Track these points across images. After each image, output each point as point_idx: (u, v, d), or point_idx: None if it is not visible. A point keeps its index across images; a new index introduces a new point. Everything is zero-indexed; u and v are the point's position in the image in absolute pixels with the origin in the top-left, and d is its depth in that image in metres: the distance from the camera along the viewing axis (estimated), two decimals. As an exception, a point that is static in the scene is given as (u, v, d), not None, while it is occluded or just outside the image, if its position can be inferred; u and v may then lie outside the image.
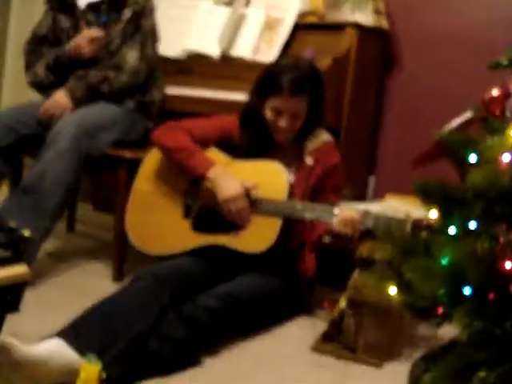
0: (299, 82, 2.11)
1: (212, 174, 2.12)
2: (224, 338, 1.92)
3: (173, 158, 2.21)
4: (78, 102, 2.46)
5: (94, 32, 2.54)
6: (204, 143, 2.22)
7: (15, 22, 4.07)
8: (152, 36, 2.64)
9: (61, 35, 2.66)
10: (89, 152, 2.36)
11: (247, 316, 1.99)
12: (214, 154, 2.22)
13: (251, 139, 2.22)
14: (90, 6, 2.61)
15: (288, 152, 2.25)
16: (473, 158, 1.48)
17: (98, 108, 2.49)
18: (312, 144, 2.24)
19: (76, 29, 2.62)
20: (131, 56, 2.54)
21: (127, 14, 2.57)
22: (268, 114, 2.16)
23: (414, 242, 1.54)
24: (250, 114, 2.23)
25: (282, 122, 2.14)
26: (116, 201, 2.42)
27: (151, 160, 2.30)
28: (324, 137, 2.27)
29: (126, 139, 2.54)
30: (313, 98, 2.17)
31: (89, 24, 2.60)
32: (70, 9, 2.64)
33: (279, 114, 2.14)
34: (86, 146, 2.34)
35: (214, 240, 2.11)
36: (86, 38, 2.51)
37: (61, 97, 2.46)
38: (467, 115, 1.64)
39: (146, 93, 2.64)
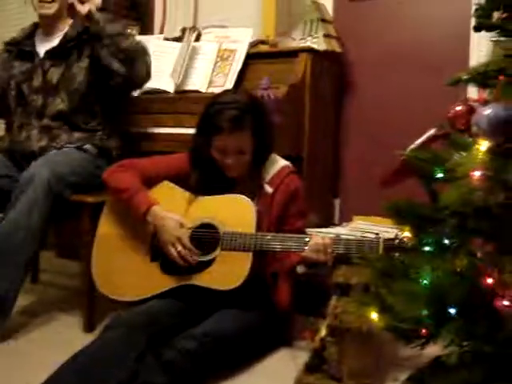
0: (237, 119, 2.08)
1: (150, 216, 2.09)
2: (205, 378, 1.86)
3: (119, 199, 2.17)
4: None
5: None
6: (158, 181, 2.20)
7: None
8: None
9: (9, 80, 2.61)
10: (59, 197, 2.31)
11: (226, 354, 1.94)
12: (170, 189, 2.19)
13: (203, 177, 2.18)
14: (48, 54, 2.59)
15: (246, 183, 2.23)
16: (440, 175, 1.48)
17: (66, 154, 2.45)
18: (269, 171, 2.21)
19: (30, 77, 2.58)
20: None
21: (88, 49, 2.54)
22: (214, 153, 2.14)
23: (390, 264, 1.52)
24: (197, 153, 2.19)
25: (229, 160, 2.12)
26: (81, 248, 2.35)
27: (112, 203, 2.26)
28: (279, 163, 2.24)
29: (90, 183, 2.48)
30: (256, 130, 2.13)
31: (45, 71, 2.56)
32: (29, 58, 2.62)
33: (224, 152, 2.12)
34: (57, 191, 2.29)
35: (184, 280, 2.06)
36: None
37: None
38: (431, 132, 1.65)
39: (107, 138, 2.61)
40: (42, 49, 2.62)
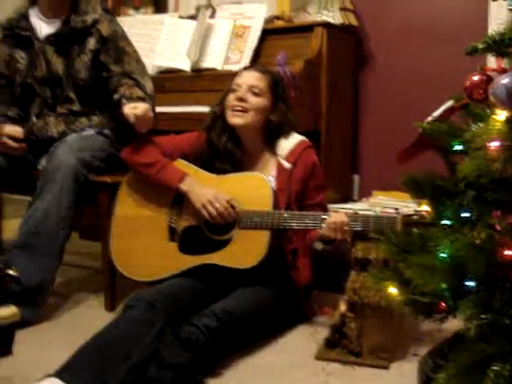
0: (257, 65, 2.28)
1: (185, 185, 2.10)
2: (225, 356, 1.87)
3: (144, 174, 2.17)
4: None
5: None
6: (173, 159, 2.20)
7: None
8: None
9: (14, 75, 2.53)
10: (85, 182, 2.31)
11: (247, 331, 1.95)
12: (186, 167, 2.19)
13: (217, 153, 2.19)
14: (49, 40, 2.48)
15: (262, 159, 2.23)
16: (459, 147, 1.46)
17: (87, 139, 2.44)
18: (285, 147, 2.20)
19: (33, 66, 2.49)
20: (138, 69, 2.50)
21: (92, 43, 2.46)
22: (228, 98, 2.17)
23: (408, 238, 1.50)
24: (216, 121, 2.22)
25: (239, 93, 2.14)
26: (101, 228, 2.36)
27: (128, 184, 2.26)
28: (295, 138, 2.23)
29: (111, 166, 2.47)
30: (275, 94, 2.19)
31: (48, 60, 2.47)
32: (28, 44, 2.51)
33: (238, 87, 2.16)
34: (84, 177, 2.30)
35: (203, 260, 2.06)
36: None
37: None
38: (448, 104, 1.62)
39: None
40: (41, 32, 2.50)
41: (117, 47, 2.48)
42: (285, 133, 2.21)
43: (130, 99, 2.31)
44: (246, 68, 2.29)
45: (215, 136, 2.20)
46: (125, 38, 2.55)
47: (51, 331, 2.16)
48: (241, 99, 2.14)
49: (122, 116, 2.22)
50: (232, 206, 2.09)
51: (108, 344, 1.71)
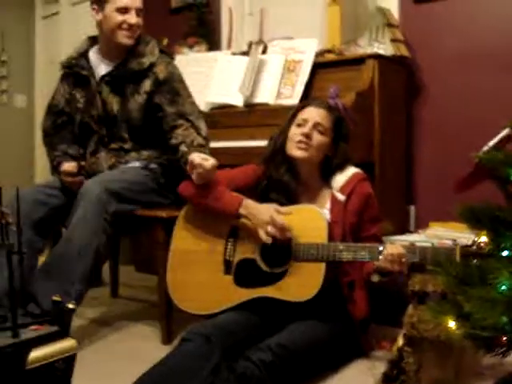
0: (324, 103, 2.27)
1: (244, 209, 2.11)
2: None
3: (203, 204, 2.19)
4: None
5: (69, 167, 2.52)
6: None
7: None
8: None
9: (74, 114, 2.63)
10: (116, 213, 2.34)
11: (302, 365, 1.93)
12: None
13: (280, 177, 2.20)
14: (105, 79, 2.56)
15: (317, 192, 2.24)
16: (516, 176, 1.43)
17: (123, 171, 2.50)
18: (339, 179, 2.21)
19: (91, 105, 2.57)
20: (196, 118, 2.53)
21: (147, 85, 2.53)
22: (291, 131, 2.20)
23: (466, 270, 1.47)
24: (275, 152, 2.24)
25: (305, 129, 2.16)
26: (156, 262, 2.40)
27: (185, 218, 2.29)
28: (350, 170, 2.24)
29: (153, 200, 2.52)
30: (336, 134, 2.21)
31: (104, 99, 2.55)
32: (86, 83, 2.60)
33: (304, 122, 2.19)
34: (113, 207, 2.33)
35: (258, 293, 2.06)
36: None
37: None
38: (504, 132, 1.59)
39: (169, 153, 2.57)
40: (99, 72, 2.59)
41: (172, 89, 2.54)
42: (341, 167, 2.22)
43: (191, 147, 2.35)
44: (312, 103, 2.27)
45: (273, 167, 2.22)
46: (181, 80, 2.61)
47: (109, 364, 2.18)
48: (306, 136, 2.16)
49: (185, 163, 2.24)
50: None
51: (164, 377, 1.73)
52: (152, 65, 2.54)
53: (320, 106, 2.22)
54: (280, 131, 2.26)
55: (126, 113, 2.54)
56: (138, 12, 2.54)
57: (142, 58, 2.55)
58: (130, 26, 2.51)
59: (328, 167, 2.23)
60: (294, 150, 2.17)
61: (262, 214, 2.08)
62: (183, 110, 2.52)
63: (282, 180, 2.20)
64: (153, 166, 2.57)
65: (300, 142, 2.16)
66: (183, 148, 2.38)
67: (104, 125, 2.58)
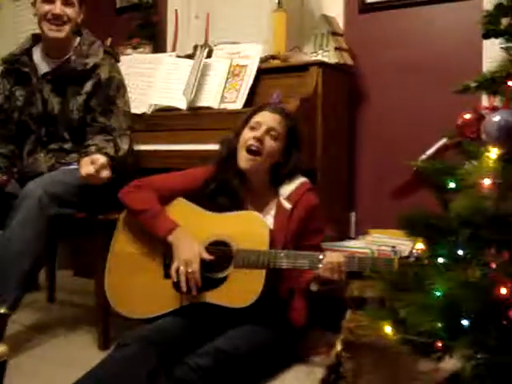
0: (281, 108, 2.24)
1: (172, 238, 2.07)
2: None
3: (137, 219, 2.16)
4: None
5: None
6: (173, 197, 2.20)
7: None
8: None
9: (13, 112, 2.57)
10: (56, 216, 2.29)
11: (240, 371, 1.92)
12: (185, 206, 2.19)
13: (227, 183, 2.18)
14: (46, 77, 2.51)
15: (264, 197, 2.23)
16: (452, 185, 1.46)
17: (65, 173, 2.43)
18: (288, 187, 2.21)
19: (31, 103, 2.52)
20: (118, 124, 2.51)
21: (88, 86, 2.49)
22: (244, 135, 2.17)
23: (403, 277, 1.49)
24: (226, 157, 2.22)
25: (257, 133, 2.13)
26: (96, 265, 2.35)
27: (125, 221, 2.25)
28: (298, 179, 2.24)
29: (101, 204, 2.47)
30: (289, 140, 2.20)
31: (45, 98, 2.50)
32: (26, 80, 2.53)
33: (257, 126, 2.16)
34: (54, 211, 2.27)
35: (197, 298, 2.04)
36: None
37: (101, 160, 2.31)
38: (441, 142, 1.62)
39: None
40: (40, 70, 2.54)
41: (108, 97, 2.50)
42: (291, 176, 2.23)
43: (99, 151, 2.34)
44: (267, 107, 2.25)
45: (223, 171, 2.20)
46: (120, 86, 2.57)
47: (44, 371, 2.13)
48: (258, 140, 2.14)
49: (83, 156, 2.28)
50: (227, 245, 2.07)
51: (100, 382, 1.69)
52: (96, 66, 2.50)
53: (275, 112, 2.20)
54: (233, 134, 2.24)
55: (67, 113, 2.49)
56: (65, 2, 2.46)
57: (86, 58, 2.51)
58: (55, 17, 2.44)
59: (278, 174, 2.22)
60: (243, 162, 2.15)
61: (185, 253, 2.03)
62: (110, 125, 2.49)
63: (231, 184, 2.18)
64: None
65: (252, 146, 2.13)
66: (91, 149, 2.36)
67: (43, 124, 2.52)
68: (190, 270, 1.99)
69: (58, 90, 2.50)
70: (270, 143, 2.15)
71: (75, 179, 2.38)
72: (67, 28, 2.49)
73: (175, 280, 2.02)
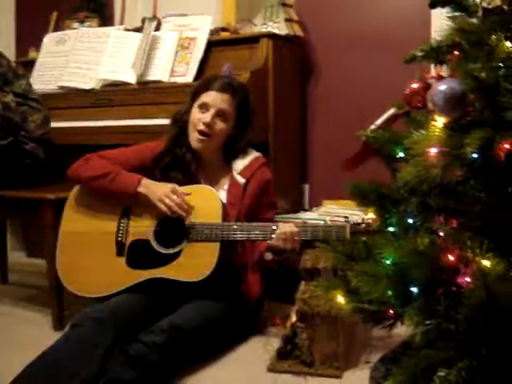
0: (229, 85, 2.18)
1: (142, 188, 2.07)
2: (176, 372, 1.83)
3: (96, 186, 2.13)
4: None
5: None
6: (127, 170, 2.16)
7: None
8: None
9: None
10: None
11: (196, 345, 1.92)
12: None
13: (171, 165, 2.18)
14: None
15: (217, 172, 2.22)
16: (401, 154, 1.47)
17: None
18: (241, 162, 2.21)
19: None
20: None
21: None
22: (193, 114, 2.15)
23: (354, 247, 1.51)
24: (178, 133, 2.20)
25: (207, 117, 2.12)
26: (45, 245, 2.30)
27: (75, 199, 2.21)
28: (251, 154, 2.24)
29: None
30: (240, 115, 2.18)
31: None
32: None
33: (206, 108, 2.14)
34: None
35: (151, 274, 2.03)
36: None
37: None
38: (390, 112, 1.63)
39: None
40: None
41: None
42: (244, 151, 2.22)
43: None
44: (215, 86, 2.17)
45: (176, 146, 2.19)
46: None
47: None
48: (208, 125, 2.12)
49: None
50: (180, 219, 2.06)
51: (54, 363, 1.67)
52: None
53: (223, 91, 2.16)
54: (183, 111, 2.22)
55: None
56: None
57: None
58: None
59: (231, 149, 2.22)
60: (194, 142, 2.16)
61: (161, 190, 2.05)
62: None
63: (184, 159, 2.17)
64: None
65: (202, 131, 2.13)
66: None
67: None
68: (175, 198, 2.03)
69: None
70: (219, 126, 2.15)
71: None
72: None
73: (169, 214, 2.04)
